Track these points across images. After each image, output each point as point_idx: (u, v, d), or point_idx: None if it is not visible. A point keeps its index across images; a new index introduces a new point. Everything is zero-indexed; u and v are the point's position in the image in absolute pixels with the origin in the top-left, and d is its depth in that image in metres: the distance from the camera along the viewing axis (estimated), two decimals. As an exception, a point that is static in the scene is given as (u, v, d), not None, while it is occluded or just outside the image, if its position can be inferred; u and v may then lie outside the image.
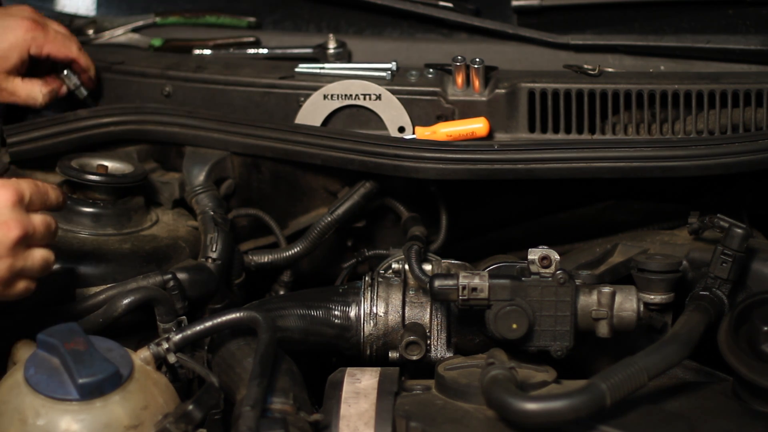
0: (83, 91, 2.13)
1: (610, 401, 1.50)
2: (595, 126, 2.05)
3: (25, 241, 1.54)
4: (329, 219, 2.04)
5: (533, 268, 1.72)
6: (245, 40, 2.27)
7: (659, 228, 2.08)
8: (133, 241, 1.91)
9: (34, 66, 2.09)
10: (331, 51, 2.19)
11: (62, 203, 1.64)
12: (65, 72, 2.12)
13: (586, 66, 2.11)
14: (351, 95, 2.09)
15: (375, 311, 1.84)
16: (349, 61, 2.21)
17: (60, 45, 2.07)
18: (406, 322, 1.84)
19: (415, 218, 2.08)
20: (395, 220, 2.13)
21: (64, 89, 2.13)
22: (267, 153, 2.05)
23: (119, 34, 2.29)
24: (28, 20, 2.04)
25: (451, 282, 1.70)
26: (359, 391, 1.64)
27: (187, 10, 2.33)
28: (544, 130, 2.06)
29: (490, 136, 2.06)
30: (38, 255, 1.57)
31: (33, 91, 2.07)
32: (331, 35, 2.20)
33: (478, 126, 2.04)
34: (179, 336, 1.66)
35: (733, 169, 1.94)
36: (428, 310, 1.84)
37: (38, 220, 1.57)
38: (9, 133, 2.02)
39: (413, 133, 2.08)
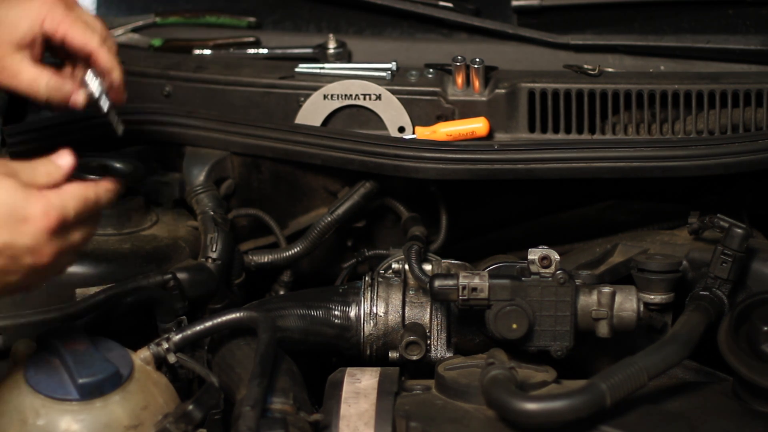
0: (105, 102, 1.75)
1: (610, 401, 1.50)
2: (595, 126, 2.05)
3: (56, 261, 1.43)
4: (329, 219, 2.04)
5: (533, 268, 1.72)
6: (245, 40, 2.26)
7: (659, 228, 2.07)
8: (133, 241, 1.90)
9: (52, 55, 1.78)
10: (331, 51, 2.19)
11: (115, 198, 1.49)
12: (89, 74, 1.75)
13: (586, 66, 2.11)
14: (351, 95, 2.09)
15: (375, 311, 1.84)
16: (349, 61, 2.20)
17: (80, 30, 1.71)
18: (406, 322, 1.83)
19: (415, 218, 2.08)
20: (395, 220, 2.13)
21: (81, 96, 1.74)
22: (267, 153, 2.05)
23: (119, 34, 2.29)
24: None
25: (451, 282, 1.70)
26: (359, 391, 1.63)
27: (187, 10, 2.33)
28: (544, 130, 2.06)
29: (490, 136, 2.06)
30: (62, 263, 1.45)
31: (39, 77, 1.70)
32: (331, 35, 2.20)
33: (478, 126, 2.04)
34: (179, 336, 1.66)
35: (733, 169, 1.94)
36: (428, 310, 1.84)
37: (77, 237, 1.44)
38: (9, 133, 2.02)
39: (413, 133, 2.08)
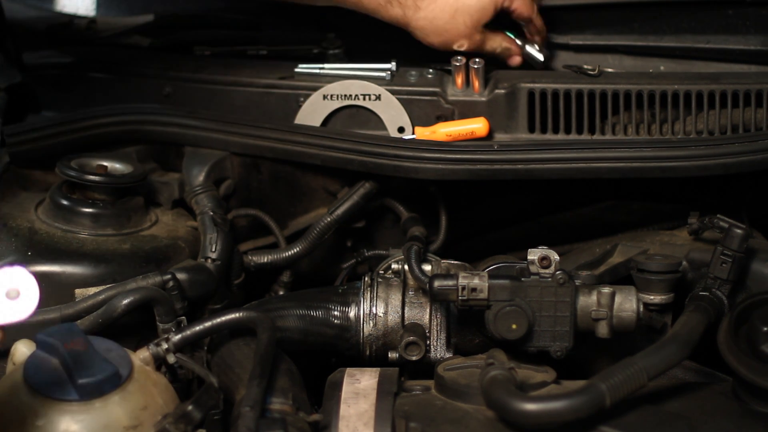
0: (539, 57, 2.15)
1: (610, 402, 1.50)
2: (595, 126, 2.05)
3: None
4: (329, 219, 2.04)
5: (533, 269, 1.72)
6: (245, 40, 2.26)
7: (659, 228, 2.07)
8: (133, 241, 1.90)
9: None
10: (331, 51, 2.19)
11: None
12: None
13: (585, 66, 2.11)
14: (351, 95, 2.09)
15: (374, 311, 1.84)
16: (349, 61, 2.20)
17: (525, 3, 2.09)
18: (406, 322, 1.83)
19: (415, 218, 2.08)
20: (395, 221, 2.13)
21: (518, 59, 2.16)
22: (266, 153, 2.05)
23: (119, 34, 2.29)
24: None
25: (450, 282, 1.70)
26: (359, 392, 1.63)
27: (187, 10, 2.33)
28: (543, 131, 2.06)
29: (489, 136, 2.06)
30: None
31: (495, 43, 2.12)
32: (331, 35, 2.20)
33: (477, 126, 2.04)
34: (179, 336, 1.66)
35: (732, 170, 1.94)
36: (428, 310, 1.84)
37: None
38: (9, 133, 2.02)
39: (413, 134, 2.08)
